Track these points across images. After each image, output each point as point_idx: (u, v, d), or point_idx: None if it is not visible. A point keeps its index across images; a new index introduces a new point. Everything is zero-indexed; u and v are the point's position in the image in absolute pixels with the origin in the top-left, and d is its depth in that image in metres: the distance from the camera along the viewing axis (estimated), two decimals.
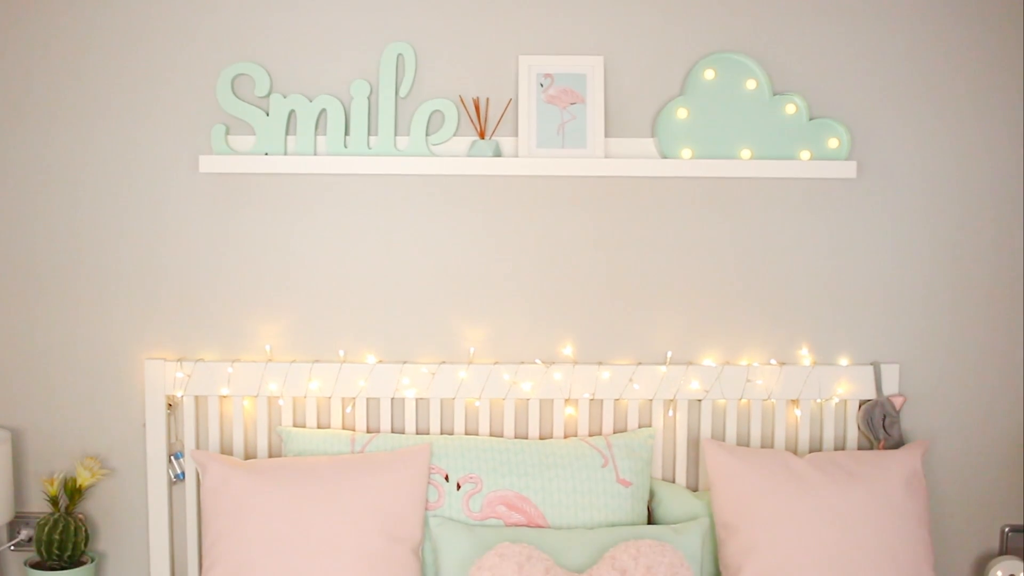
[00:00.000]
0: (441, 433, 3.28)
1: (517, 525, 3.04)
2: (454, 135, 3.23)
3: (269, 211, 3.26)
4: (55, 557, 3.21)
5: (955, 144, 3.27)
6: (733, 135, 3.22)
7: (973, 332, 3.31)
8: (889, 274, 3.29)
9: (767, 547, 2.92)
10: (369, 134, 3.23)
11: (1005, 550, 3.37)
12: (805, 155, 3.21)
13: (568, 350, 3.29)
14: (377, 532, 2.90)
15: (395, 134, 3.22)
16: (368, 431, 3.27)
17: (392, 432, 3.28)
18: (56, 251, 3.27)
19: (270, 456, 3.27)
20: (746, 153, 3.21)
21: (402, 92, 3.23)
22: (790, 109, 3.21)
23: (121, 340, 3.30)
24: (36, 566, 3.21)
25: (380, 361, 3.27)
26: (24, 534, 3.35)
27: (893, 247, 3.28)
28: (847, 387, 3.27)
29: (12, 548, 3.35)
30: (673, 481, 3.30)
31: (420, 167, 3.19)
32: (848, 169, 3.20)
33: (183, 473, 3.28)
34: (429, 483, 3.06)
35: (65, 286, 3.28)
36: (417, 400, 3.28)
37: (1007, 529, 3.37)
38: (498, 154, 3.21)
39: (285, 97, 3.22)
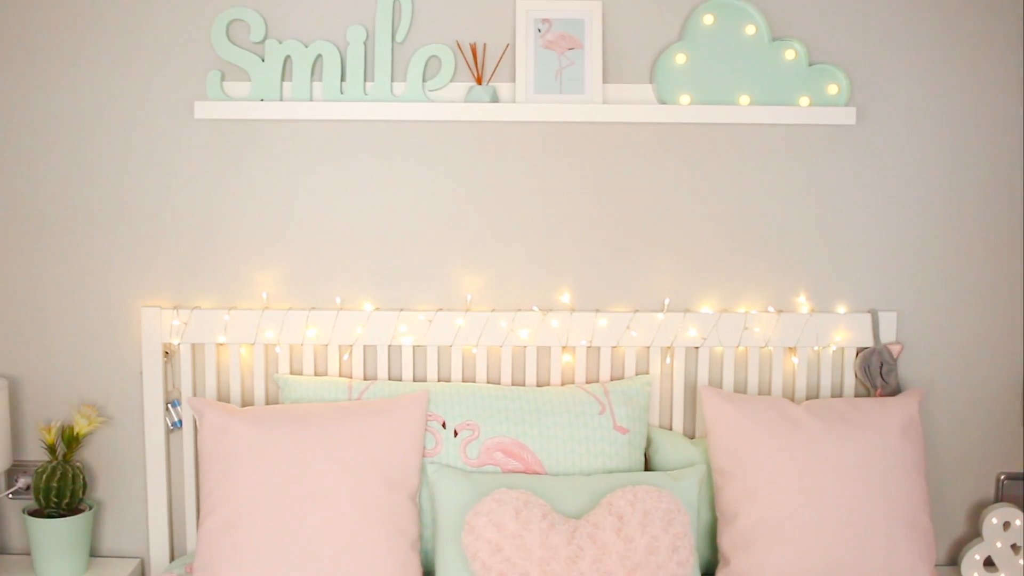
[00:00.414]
0: (438, 380, 3.28)
1: (514, 472, 3.04)
2: (451, 81, 3.21)
3: (265, 158, 3.24)
4: (53, 505, 3.21)
5: (955, 91, 3.25)
6: (732, 81, 3.20)
7: (971, 280, 3.31)
8: (887, 221, 3.28)
9: (764, 493, 2.93)
10: (365, 80, 3.21)
11: (1001, 497, 3.38)
12: (804, 101, 3.19)
13: (565, 297, 3.28)
14: (374, 478, 2.91)
15: (391, 80, 3.20)
16: (365, 378, 3.27)
17: (389, 379, 3.28)
18: (51, 199, 3.26)
19: (267, 404, 3.27)
20: (745, 99, 3.19)
21: (399, 37, 3.20)
22: (789, 55, 3.19)
23: (117, 288, 3.29)
24: (34, 514, 3.22)
25: (377, 308, 3.27)
26: (22, 482, 3.35)
27: (892, 194, 3.26)
28: (844, 335, 3.26)
29: (10, 496, 3.36)
30: (670, 428, 3.30)
31: (417, 113, 3.17)
32: (847, 115, 3.18)
33: (180, 421, 3.28)
34: (426, 430, 3.06)
35: (61, 234, 3.27)
36: (414, 347, 3.27)
37: (1003, 477, 3.38)
38: (495, 100, 3.19)
39: (280, 43, 3.19)
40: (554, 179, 3.25)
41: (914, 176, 3.27)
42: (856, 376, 3.28)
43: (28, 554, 3.38)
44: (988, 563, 3.33)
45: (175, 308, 3.25)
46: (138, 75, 3.22)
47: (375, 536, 2.85)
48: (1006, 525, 3.28)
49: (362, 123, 3.23)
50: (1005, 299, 3.32)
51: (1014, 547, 3.28)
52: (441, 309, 3.26)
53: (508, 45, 3.21)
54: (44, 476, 3.20)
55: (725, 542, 2.98)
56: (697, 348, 3.28)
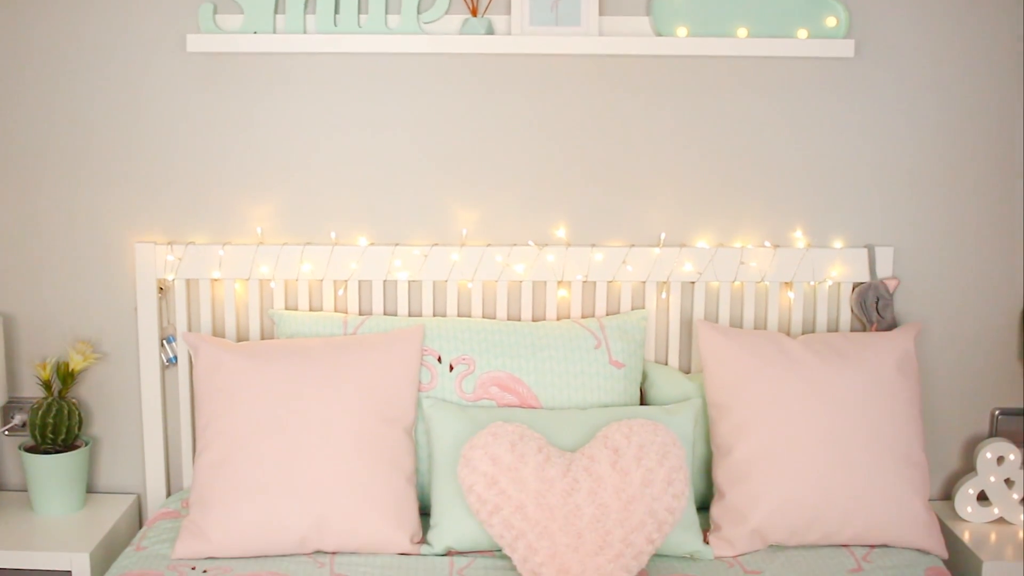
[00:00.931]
0: (434, 315, 3.27)
1: (510, 406, 3.05)
2: (446, 13, 3.18)
3: (259, 92, 3.22)
4: (49, 441, 3.22)
5: (954, 24, 3.22)
6: (729, 13, 3.17)
7: (969, 215, 3.30)
8: (885, 156, 3.26)
9: (759, 427, 2.94)
10: (359, 12, 3.17)
11: (995, 433, 3.40)
12: (802, 33, 3.16)
13: (561, 232, 3.27)
14: (370, 413, 2.91)
15: (386, 12, 3.17)
16: (360, 314, 3.27)
17: (384, 315, 3.27)
18: (44, 136, 3.23)
19: (262, 339, 3.26)
20: (742, 31, 3.17)
21: None
22: None
23: (111, 224, 3.27)
24: (31, 450, 3.22)
25: (372, 243, 3.26)
26: (18, 419, 3.36)
27: (889, 128, 3.25)
28: (841, 270, 3.26)
29: (6, 433, 3.36)
30: (666, 363, 3.31)
31: (411, 45, 3.15)
32: (846, 48, 3.16)
33: (175, 357, 3.28)
34: (422, 365, 3.06)
35: (54, 171, 3.25)
36: (409, 282, 3.27)
37: (997, 412, 3.39)
38: (490, 32, 3.17)
39: None
40: (550, 113, 3.22)
41: (912, 110, 3.25)
42: (852, 311, 3.28)
43: (25, 490, 3.39)
44: (982, 497, 3.34)
45: (169, 244, 3.24)
46: (130, 8, 3.19)
47: (371, 470, 2.86)
48: (1000, 460, 3.29)
49: (356, 56, 3.20)
50: (1002, 234, 3.31)
51: (1008, 481, 3.30)
52: (436, 244, 3.25)
53: None
54: (40, 412, 3.20)
55: (720, 475, 2.99)
56: (693, 283, 3.28)
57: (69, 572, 3.04)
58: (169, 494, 3.35)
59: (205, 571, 2.77)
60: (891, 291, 3.24)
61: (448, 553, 2.89)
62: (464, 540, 2.86)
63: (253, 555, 2.84)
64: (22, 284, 3.31)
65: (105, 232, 3.27)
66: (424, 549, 2.88)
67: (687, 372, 3.31)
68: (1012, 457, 3.28)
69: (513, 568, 2.79)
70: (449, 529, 2.87)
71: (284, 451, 2.85)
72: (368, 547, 2.86)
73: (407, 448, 2.95)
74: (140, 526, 3.39)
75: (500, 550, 2.87)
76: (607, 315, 3.25)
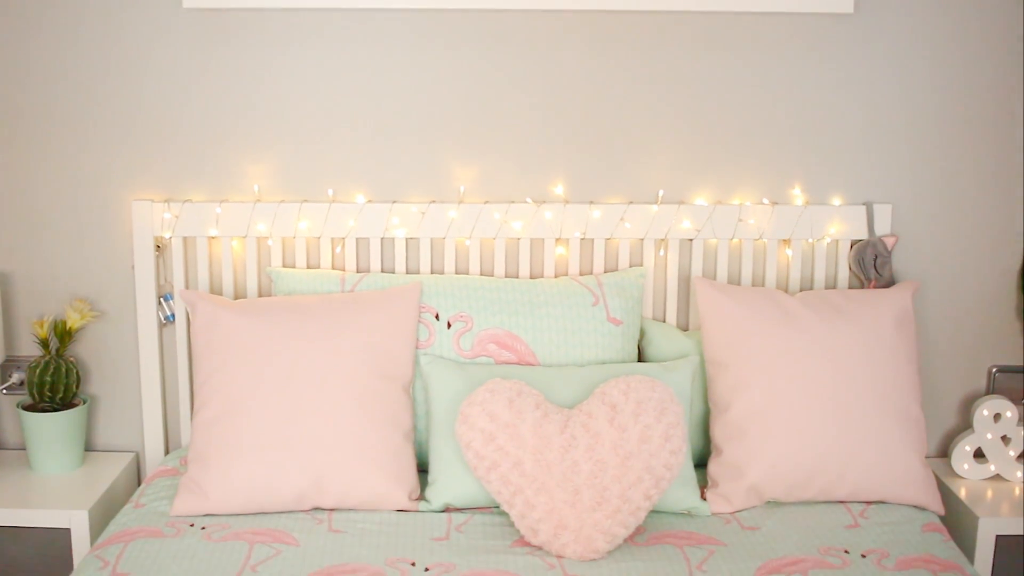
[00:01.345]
0: (431, 273, 3.27)
1: (508, 363, 3.05)
2: None
3: (255, 48, 3.20)
4: (47, 399, 3.22)
5: None
6: None
7: (967, 173, 3.29)
8: (884, 113, 3.25)
9: (756, 384, 2.94)
10: None
11: (992, 390, 3.40)
12: None
13: (559, 189, 3.26)
14: (368, 370, 2.91)
15: None
16: (358, 271, 3.26)
17: (382, 272, 3.26)
18: (39, 93, 3.22)
19: (259, 297, 3.26)
20: None
21: None
22: None
23: (108, 181, 3.26)
24: (28, 408, 3.23)
25: (369, 201, 3.25)
26: (16, 377, 3.36)
27: (888, 85, 3.23)
28: (839, 227, 3.25)
29: (4, 391, 3.36)
30: (664, 321, 3.31)
31: (409, 1, 3.12)
32: (845, 4, 3.14)
33: (173, 315, 3.27)
34: (419, 322, 3.06)
35: (51, 129, 3.24)
36: (407, 240, 3.26)
37: (995, 370, 3.39)
38: None
39: None
40: (549, 69, 3.21)
41: (911, 66, 3.23)
42: (850, 269, 3.27)
43: (23, 449, 3.40)
44: (978, 454, 3.35)
45: (166, 201, 3.23)
46: None
47: (369, 427, 2.87)
48: (997, 417, 3.29)
49: (354, 11, 3.18)
50: (1001, 192, 3.30)
51: (1004, 439, 3.30)
52: (434, 201, 3.24)
53: None
54: (38, 370, 3.20)
55: (718, 432, 3.00)
56: (691, 240, 3.27)
57: (68, 530, 3.04)
58: (167, 452, 3.35)
59: (203, 527, 2.77)
60: (889, 248, 3.23)
61: (446, 510, 2.90)
62: (462, 497, 2.87)
63: (251, 512, 2.84)
64: (19, 242, 3.30)
65: (102, 190, 3.26)
66: (422, 506, 2.89)
67: (685, 329, 3.31)
68: (1009, 414, 3.28)
69: (511, 524, 2.80)
70: (447, 486, 2.87)
71: (282, 408, 2.85)
72: (366, 504, 2.87)
73: (405, 405, 2.95)
74: (138, 484, 3.40)
75: (498, 506, 2.87)
76: (605, 272, 3.25)
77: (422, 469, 3.06)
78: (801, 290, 3.29)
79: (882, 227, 3.25)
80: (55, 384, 3.20)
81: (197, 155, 3.24)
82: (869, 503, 2.95)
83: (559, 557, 2.66)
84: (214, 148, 3.24)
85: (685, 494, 2.87)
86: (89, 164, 3.25)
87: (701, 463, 3.13)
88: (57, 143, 3.24)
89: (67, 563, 3.05)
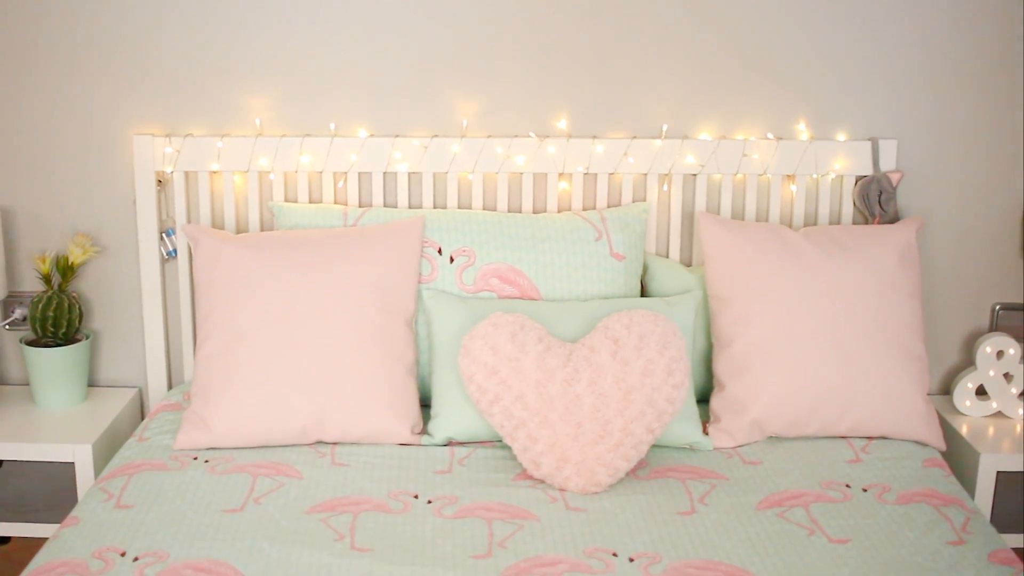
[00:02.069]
0: (434, 207, 3.25)
1: (510, 298, 3.04)
2: None
3: None
4: (50, 334, 3.22)
5: None
6: None
7: (973, 108, 3.26)
8: (889, 48, 3.22)
9: (759, 319, 2.93)
10: None
11: (996, 327, 3.40)
12: None
13: (562, 123, 3.24)
14: (371, 304, 2.90)
15: None
16: (360, 206, 3.25)
17: (384, 206, 3.25)
18: (40, 27, 3.19)
19: (262, 231, 3.24)
20: None
21: None
22: None
23: (109, 116, 3.24)
24: (31, 344, 3.23)
25: (372, 135, 3.23)
26: (18, 313, 3.36)
27: (894, 19, 3.20)
28: (844, 162, 3.23)
29: (7, 327, 3.36)
30: (667, 256, 3.30)
31: None
32: None
33: (175, 250, 3.27)
34: (422, 256, 3.05)
35: (51, 63, 3.21)
36: (409, 174, 3.24)
37: (998, 307, 3.39)
38: None
39: None
40: (552, 2, 3.17)
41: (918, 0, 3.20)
42: (855, 205, 3.26)
43: (27, 384, 3.40)
44: (980, 392, 3.36)
45: (167, 136, 3.21)
46: None
47: (371, 362, 2.87)
48: (999, 354, 3.29)
49: None
50: (1006, 128, 3.28)
51: (1006, 376, 3.30)
52: (436, 135, 3.22)
53: None
54: (40, 306, 3.20)
55: (720, 367, 3.00)
56: (695, 175, 3.25)
57: (72, 464, 3.06)
58: (170, 387, 3.36)
59: (207, 461, 2.78)
60: (894, 184, 3.22)
61: (448, 444, 2.91)
62: (464, 430, 2.88)
63: (254, 445, 2.85)
64: (20, 177, 3.29)
65: (103, 124, 3.24)
66: (424, 440, 2.90)
67: (688, 265, 3.30)
68: (1012, 352, 3.28)
69: (513, 458, 2.81)
70: (449, 420, 2.88)
71: (285, 342, 2.85)
72: (369, 437, 2.88)
73: (407, 339, 2.95)
74: (142, 418, 3.41)
75: (500, 440, 2.88)
76: (608, 207, 3.23)
77: (425, 403, 3.07)
78: (805, 226, 3.27)
79: (887, 163, 3.24)
80: (57, 319, 3.20)
81: (197, 88, 3.22)
82: (871, 439, 2.95)
83: (561, 490, 2.67)
84: (214, 81, 3.21)
85: (687, 429, 2.87)
86: (90, 99, 3.23)
87: (703, 399, 3.14)
88: (57, 76, 3.21)
89: (72, 496, 3.07)
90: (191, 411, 2.88)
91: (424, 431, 2.94)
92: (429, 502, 2.60)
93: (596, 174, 3.23)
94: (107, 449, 3.12)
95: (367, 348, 2.87)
